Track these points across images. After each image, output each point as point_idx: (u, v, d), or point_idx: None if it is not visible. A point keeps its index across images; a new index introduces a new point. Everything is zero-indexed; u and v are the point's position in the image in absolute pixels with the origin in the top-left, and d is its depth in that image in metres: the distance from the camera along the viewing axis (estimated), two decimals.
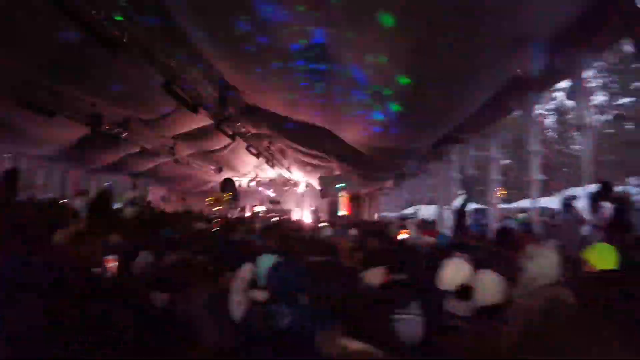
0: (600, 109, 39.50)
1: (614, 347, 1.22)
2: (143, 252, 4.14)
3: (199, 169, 23.33)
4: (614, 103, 38.44)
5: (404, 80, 6.15)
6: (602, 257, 3.10)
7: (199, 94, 11.12)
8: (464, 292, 3.20)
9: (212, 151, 20.23)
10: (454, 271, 3.48)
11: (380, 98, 7.27)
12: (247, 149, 16.90)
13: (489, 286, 3.13)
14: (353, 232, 8.92)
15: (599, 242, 3.36)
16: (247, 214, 25.80)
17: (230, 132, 13.78)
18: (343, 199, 18.94)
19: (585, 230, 8.00)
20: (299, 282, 3.01)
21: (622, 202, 7.08)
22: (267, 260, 3.51)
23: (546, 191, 34.30)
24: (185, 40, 8.76)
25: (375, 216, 24.40)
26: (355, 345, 2.12)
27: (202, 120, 13.81)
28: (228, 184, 22.48)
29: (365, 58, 6.15)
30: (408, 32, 5.14)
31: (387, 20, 4.93)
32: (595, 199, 7.37)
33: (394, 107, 7.35)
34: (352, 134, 11.14)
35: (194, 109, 10.99)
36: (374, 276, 3.86)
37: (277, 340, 2.69)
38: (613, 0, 4.31)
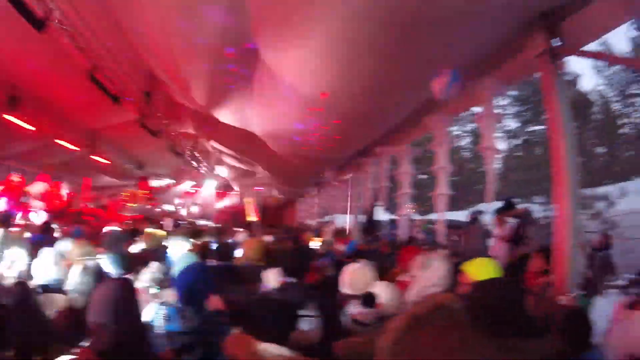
0: (514, 134, 42.99)
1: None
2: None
3: (120, 165, 22.51)
4: (526, 130, 41.71)
5: (329, 88, 6.38)
6: (479, 270, 3.16)
7: (124, 85, 10.75)
8: (367, 299, 3.27)
9: (134, 147, 19.71)
10: (354, 276, 3.68)
11: (307, 109, 7.46)
12: (170, 148, 16.50)
13: (385, 294, 3.29)
14: (267, 237, 9.07)
15: (480, 257, 3.56)
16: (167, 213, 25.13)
17: (153, 129, 13.39)
18: (253, 205, 18.93)
19: (490, 241, 8.72)
20: (207, 285, 3.04)
21: (522, 217, 7.69)
22: (183, 260, 3.60)
23: (460, 206, 36.31)
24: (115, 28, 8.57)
25: (295, 223, 24.62)
26: (259, 345, 2.16)
27: (125, 115, 13.42)
28: (145, 181, 21.89)
29: (294, 69, 6.34)
30: (335, 49, 5.39)
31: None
32: (498, 214, 8.03)
33: (318, 117, 7.58)
34: (277, 141, 11.26)
35: (117, 100, 10.57)
36: (271, 278, 3.99)
37: (182, 342, 2.75)
38: (528, 37, 4.74)
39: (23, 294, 2.97)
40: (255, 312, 3.16)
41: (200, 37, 6.93)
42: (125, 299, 2.35)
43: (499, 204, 8.11)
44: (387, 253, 7.20)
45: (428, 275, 3.29)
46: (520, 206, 8.16)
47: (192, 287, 2.98)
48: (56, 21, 7.46)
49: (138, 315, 2.47)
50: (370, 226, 10.46)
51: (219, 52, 7.37)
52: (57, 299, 3.39)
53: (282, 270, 3.85)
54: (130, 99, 11.42)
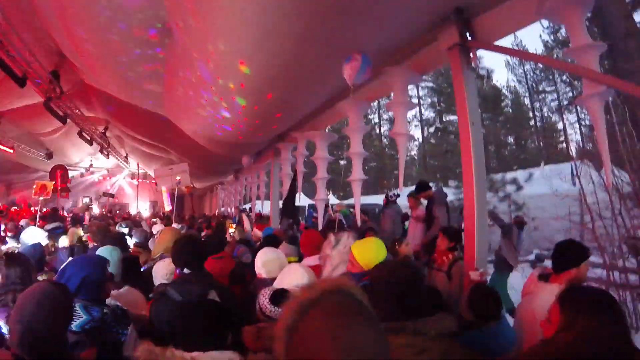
0: (430, 123, 45.86)
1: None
2: None
3: (26, 155, 20.98)
4: (444, 119, 44.73)
5: (246, 70, 6.30)
6: (365, 250, 3.31)
7: (29, 64, 10.07)
8: (277, 297, 3.06)
9: (41, 134, 18.51)
10: (267, 261, 3.71)
11: (224, 92, 7.35)
12: (80, 134, 15.75)
13: (296, 276, 3.31)
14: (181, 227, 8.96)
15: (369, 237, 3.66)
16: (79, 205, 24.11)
17: (61, 113, 12.70)
18: (167, 193, 18.54)
19: (407, 223, 9.12)
20: (90, 277, 2.95)
21: (433, 199, 8.15)
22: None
23: (379, 190, 37.77)
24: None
25: (216, 211, 24.33)
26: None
27: (30, 98, 12.55)
28: (60, 170, 20.76)
29: (208, 48, 6.20)
30: (248, 32, 5.33)
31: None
32: (412, 196, 8.42)
33: (240, 101, 7.49)
34: (193, 127, 11.05)
35: (22, 82, 9.90)
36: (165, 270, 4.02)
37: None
38: (442, 29, 4.95)
39: None
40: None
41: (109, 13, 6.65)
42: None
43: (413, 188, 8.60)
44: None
45: (339, 254, 3.36)
46: (433, 188, 8.51)
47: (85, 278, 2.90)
48: None
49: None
50: (288, 211, 10.56)
51: (129, 32, 7.11)
52: None
53: (178, 261, 3.71)
54: (37, 81, 10.76)
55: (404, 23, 5.04)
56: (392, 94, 6.14)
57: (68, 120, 13.44)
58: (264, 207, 15.32)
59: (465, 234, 4.60)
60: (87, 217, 17.17)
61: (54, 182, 20.69)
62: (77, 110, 14.14)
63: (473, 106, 4.82)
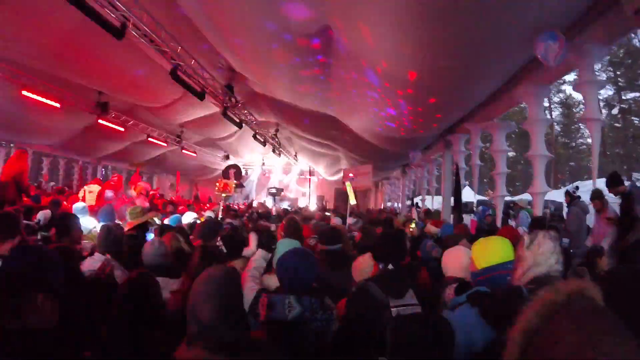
0: (607, 102, 39.37)
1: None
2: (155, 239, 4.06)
3: (206, 157, 23.53)
4: (622, 97, 38.24)
5: (415, 79, 6.18)
6: (485, 252, 2.90)
7: (205, 81, 11.08)
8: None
9: (219, 139, 20.37)
10: (458, 259, 3.48)
11: (390, 93, 7.31)
12: (254, 137, 16.88)
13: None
14: (356, 221, 8.96)
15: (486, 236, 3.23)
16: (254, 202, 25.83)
17: (237, 120, 13.78)
18: (353, 188, 18.95)
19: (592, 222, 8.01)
20: (310, 274, 2.92)
21: (627, 196, 6.96)
22: (284, 246, 3.50)
23: (552, 184, 34.52)
24: (190, 28, 8.82)
25: (381, 206, 24.46)
26: None
27: (208, 108, 13.91)
28: (233, 169, 22.43)
29: (379, 60, 6.20)
30: (420, 24, 5.14)
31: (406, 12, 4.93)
32: (598, 198, 7.36)
33: (404, 100, 7.39)
34: (360, 124, 11.15)
35: (201, 97, 10.95)
36: (364, 264, 3.83)
37: (280, 331, 2.66)
38: None
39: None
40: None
41: (275, 28, 6.93)
42: (233, 291, 2.25)
43: (599, 181, 7.41)
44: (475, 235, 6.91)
45: (532, 255, 3.03)
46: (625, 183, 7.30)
47: (294, 273, 2.85)
48: (130, 26, 7.81)
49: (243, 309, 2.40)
50: (459, 207, 9.98)
51: (295, 43, 7.36)
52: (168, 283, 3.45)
53: (379, 256, 3.68)
54: (213, 93, 11.80)
55: None
56: (576, 73, 5.49)
57: (243, 125, 14.47)
58: (430, 202, 14.91)
59: None
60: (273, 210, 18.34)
61: (235, 181, 22.57)
62: (250, 117, 15.17)
63: None
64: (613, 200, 7.40)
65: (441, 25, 4.87)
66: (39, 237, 5.61)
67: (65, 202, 9.54)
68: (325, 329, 2.75)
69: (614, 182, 7.12)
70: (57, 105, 12.51)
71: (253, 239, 4.42)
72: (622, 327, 1.17)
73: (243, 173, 25.67)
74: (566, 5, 4.66)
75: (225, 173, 21.22)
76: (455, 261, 3.46)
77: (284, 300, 2.71)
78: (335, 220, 8.19)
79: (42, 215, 6.65)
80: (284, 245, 3.56)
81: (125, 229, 5.09)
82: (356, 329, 2.59)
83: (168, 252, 3.84)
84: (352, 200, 8.31)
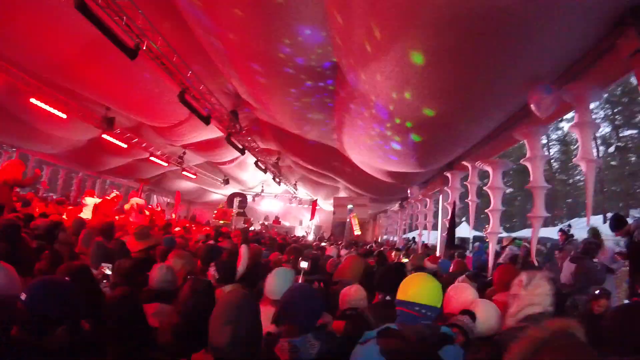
0: (604, 140, 39.66)
1: None
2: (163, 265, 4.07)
3: (206, 180, 23.67)
4: (619, 135, 38.48)
5: (429, 112, 6.34)
6: (404, 286, 2.74)
7: (212, 105, 11.29)
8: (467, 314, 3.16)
9: (220, 163, 20.54)
10: (457, 295, 3.57)
11: (399, 129, 7.46)
12: (256, 163, 17.03)
13: (489, 315, 3.23)
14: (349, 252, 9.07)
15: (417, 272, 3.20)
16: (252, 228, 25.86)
17: (240, 146, 13.93)
18: (355, 220, 18.96)
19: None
20: (316, 304, 2.94)
21: (632, 235, 6.84)
22: (279, 276, 3.60)
23: (547, 221, 34.47)
24: (201, 53, 9.05)
25: (378, 239, 24.51)
26: None
27: (212, 132, 14.11)
28: (238, 197, 22.57)
29: (392, 96, 6.37)
30: (436, 71, 5.36)
31: (418, 58, 5.14)
32: (595, 235, 7.44)
33: (414, 137, 7.53)
34: (361, 157, 11.28)
35: (206, 121, 11.14)
36: (356, 296, 3.94)
37: None
38: (620, 35, 4.43)
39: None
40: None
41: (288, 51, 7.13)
42: (251, 317, 2.31)
43: (596, 220, 7.51)
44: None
45: (529, 295, 3.14)
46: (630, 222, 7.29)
47: (308, 312, 2.90)
48: (144, 48, 8.10)
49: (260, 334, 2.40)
50: (454, 243, 9.97)
51: (307, 65, 7.56)
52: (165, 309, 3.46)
53: (380, 286, 3.82)
54: (218, 118, 12.00)
55: (578, 34, 4.57)
56: (573, 114, 5.64)
57: (246, 151, 14.64)
58: (427, 237, 14.93)
59: None
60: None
61: (238, 209, 22.71)
62: (253, 143, 15.34)
63: None
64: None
65: (460, 56, 5.05)
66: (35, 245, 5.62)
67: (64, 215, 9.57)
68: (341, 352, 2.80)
69: (618, 224, 7.20)
70: (64, 116, 12.72)
71: (244, 252, 4.53)
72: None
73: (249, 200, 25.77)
74: (564, 50, 4.87)
75: (230, 201, 21.35)
76: (460, 297, 3.55)
77: (304, 341, 2.73)
78: (331, 251, 8.31)
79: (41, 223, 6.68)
80: (280, 275, 3.63)
81: (133, 249, 5.18)
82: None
83: (175, 278, 3.89)
84: (357, 231, 8.46)
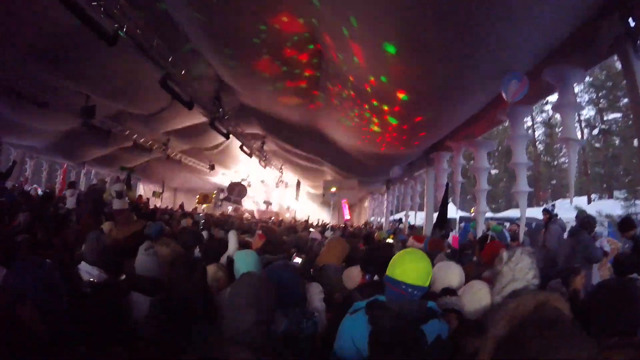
0: (588, 123, 40.05)
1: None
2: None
3: (192, 166, 23.54)
4: (604, 118, 38.83)
5: (404, 97, 6.32)
6: (394, 262, 2.78)
7: (194, 91, 11.17)
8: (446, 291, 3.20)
9: (205, 149, 20.40)
10: (441, 273, 3.57)
11: (378, 112, 7.43)
12: (241, 148, 16.92)
13: (477, 295, 3.22)
14: (333, 234, 9.06)
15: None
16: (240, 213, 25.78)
17: (224, 131, 13.82)
18: (345, 204, 18.97)
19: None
20: (293, 286, 2.97)
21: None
22: (243, 257, 3.54)
23: (533, 202, 34.83)
24: (181, 38, 8.93)
25: (364, 221, 24.57)
26: None
27: (196, 118, 13.97)
28: (238, 187, 22.58)
29: (368, 78, 6.34)
30: (407, 59, 5.34)
31: (390, 49, 5.15)
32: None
33: (391, 120, 7.52)
34: (346, 140, 11.25)
35: (189, 106, 11.01)
36: (351, 276, 3.95)
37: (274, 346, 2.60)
38: (604, 18, 4.44)
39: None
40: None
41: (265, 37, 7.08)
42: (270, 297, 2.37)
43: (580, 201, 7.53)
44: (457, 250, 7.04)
45: (511, 271, 3.14)
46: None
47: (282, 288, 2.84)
48: (123, 34, 7.94)
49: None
50: (440, 222, 9.98)
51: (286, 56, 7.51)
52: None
53: (366, 268, 3.80)
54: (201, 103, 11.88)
55: (559, 20, 4.57)
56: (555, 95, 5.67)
57: (230, 136, 14.54)
58: (414, 218, 14.98)
59: None
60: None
61: (214, 193, 22.72)
62: (238, 128, 15.21)
63: None
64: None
65: (430, 49, 5.04)
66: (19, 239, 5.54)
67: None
68: (313, 334, 2.85)
69: (625, 226, 7.09)
70: (44, 106, 12.36)
71: (232, 237, 4.51)
72: (582, 333, 1.35)
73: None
74: (547, 37, 4.87)
75: (231, 190, 21.38)
76: (446, 277, 3.55)
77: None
78: (314, 233, 8.29)
79: (22, 217, 6.61)
80: (241, 258, 3.56)
81: (120, 236, 5.10)
82: None
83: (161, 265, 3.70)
84: (347, 216, 8.46)
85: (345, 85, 7.46)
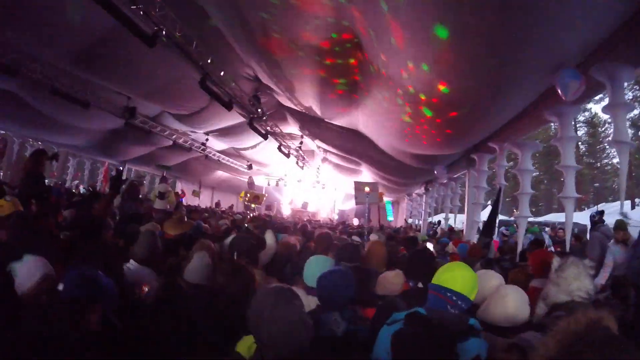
0: (632, 123, 38.36)
1: None
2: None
3: (229, 166, 23.81)
4: None
5: (445, 90, 6.15)
6: (441, 271, 2.70)
7: (233, 91, 11.23)
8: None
9: (243, 149, 20.60)
10: (483, 285, 3.43)
11: (412, 99, 7.28)
12: (278, 148, 17.01)
13: (518, 304, 3.08)
14: (378, 237, 8.92)
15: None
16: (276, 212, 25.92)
17: (263, 131, 13.92)
18: (379, 205, 18.91)
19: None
20: (350, 289, 2.90)
21: None
22: (317, 263, 3.51)
23: (577, 206, 33.56)
24: (221, 39, 8.99)
25: (403, 222, 24.37)
26: None
27: (234, 118, 14.10)
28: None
29: (407, 65, 6.17)
30: (458, 47, 5.15)
31: (442, 33, 4.91)
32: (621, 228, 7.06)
33: (425, 112, 7.36)
34: (385, 139, 11.13)
35: (228, 106, 11.09)
36: (394, 281, 3.83)
37: (334, 348, 2.64)
38: None
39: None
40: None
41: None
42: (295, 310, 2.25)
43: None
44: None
45: (558, 279, 3.02)
46: None
47: (333, 292, 2.87)
48: (163, 35, 8.12)
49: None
50: (488, 230, 9.43)
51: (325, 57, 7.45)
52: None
53: (410, 274, 3.74)
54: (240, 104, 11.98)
55: (611, 9, 4.34)
56: (605, 95, 5.44)
57: (269, 136, 14.63)
58: (453, 220, 14.73)
59: None
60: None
61: (265, 195, 23.11)
62: (276, 128, 15.28)
63: None
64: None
65: (474, 44, 4.88)
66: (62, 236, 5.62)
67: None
68: (370, 338, 2.72)
69: None
70: (86, 106, 12.69)
71: (269, 236, 4.49)
72: (635, 352, 1.32)
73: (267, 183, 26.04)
74: (596, 27, 4.65)
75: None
76: (485, 286, 3.42)
77: (329, 317, 2.73)
78: (355, 237, 8.22)
79: (68, 214, 6.75)
80: (315, 262, 3.54)
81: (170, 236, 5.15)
82: None
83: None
84: (390, 217, 8.31)
85: (376, 62, 7.27)
